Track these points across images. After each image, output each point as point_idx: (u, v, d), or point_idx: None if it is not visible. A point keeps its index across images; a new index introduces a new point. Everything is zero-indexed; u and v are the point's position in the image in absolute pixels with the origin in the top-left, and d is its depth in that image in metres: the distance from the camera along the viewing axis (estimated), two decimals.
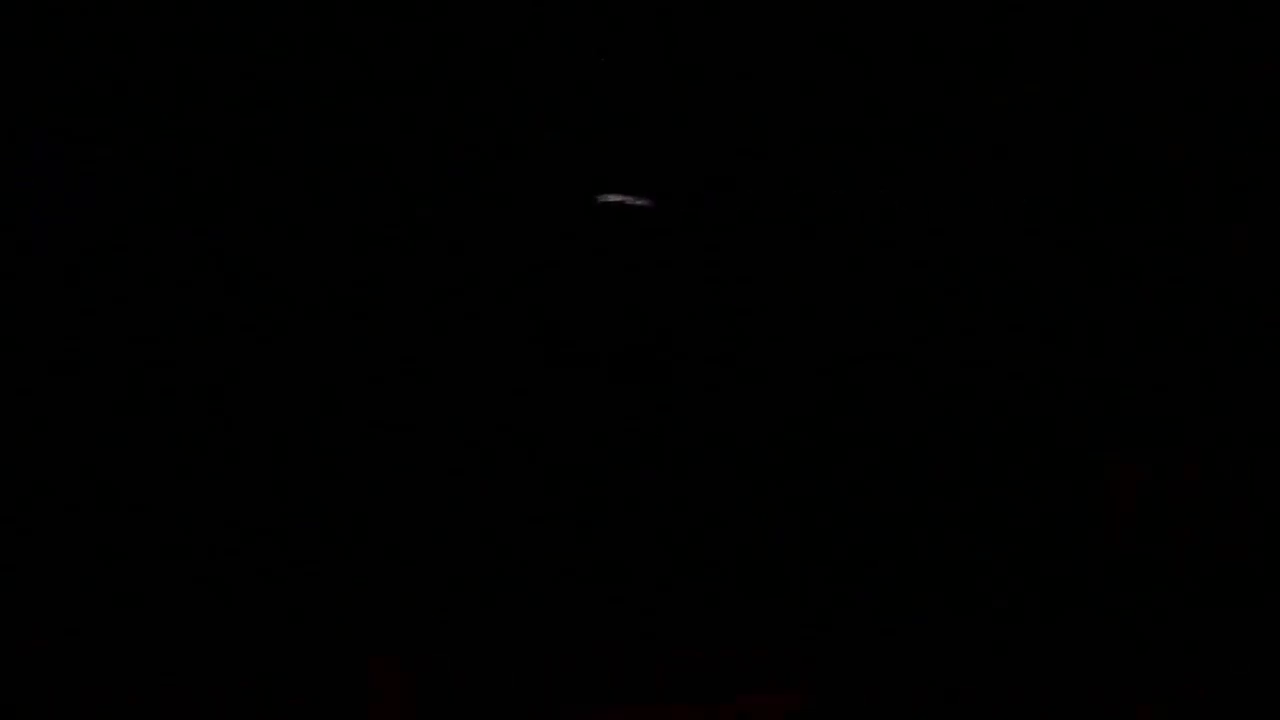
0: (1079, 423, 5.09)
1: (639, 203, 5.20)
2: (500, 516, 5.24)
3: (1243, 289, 5.29)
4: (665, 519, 5.30)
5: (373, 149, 5.46)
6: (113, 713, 4.68)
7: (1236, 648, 4.82)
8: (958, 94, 5.22)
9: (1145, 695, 4.74)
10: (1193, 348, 5.30)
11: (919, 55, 5.28)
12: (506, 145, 5.29)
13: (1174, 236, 5.34)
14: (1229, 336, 5.32)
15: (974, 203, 5.37)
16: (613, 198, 5.16)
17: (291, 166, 5.41)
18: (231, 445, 5.14)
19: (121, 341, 5.23)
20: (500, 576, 5.21)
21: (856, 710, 4.75)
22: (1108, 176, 5.31)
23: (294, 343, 5.24)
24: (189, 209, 5.34)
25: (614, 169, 5.27)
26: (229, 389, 5.18)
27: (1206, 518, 5.10)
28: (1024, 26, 5.49)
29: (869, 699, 4.79)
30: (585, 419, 5.30)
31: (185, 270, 5.37)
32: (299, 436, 5.16)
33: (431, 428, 5.22)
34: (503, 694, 4.86)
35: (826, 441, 5.38)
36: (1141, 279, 5.29)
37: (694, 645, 5.03)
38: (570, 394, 5.27)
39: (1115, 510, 4.87)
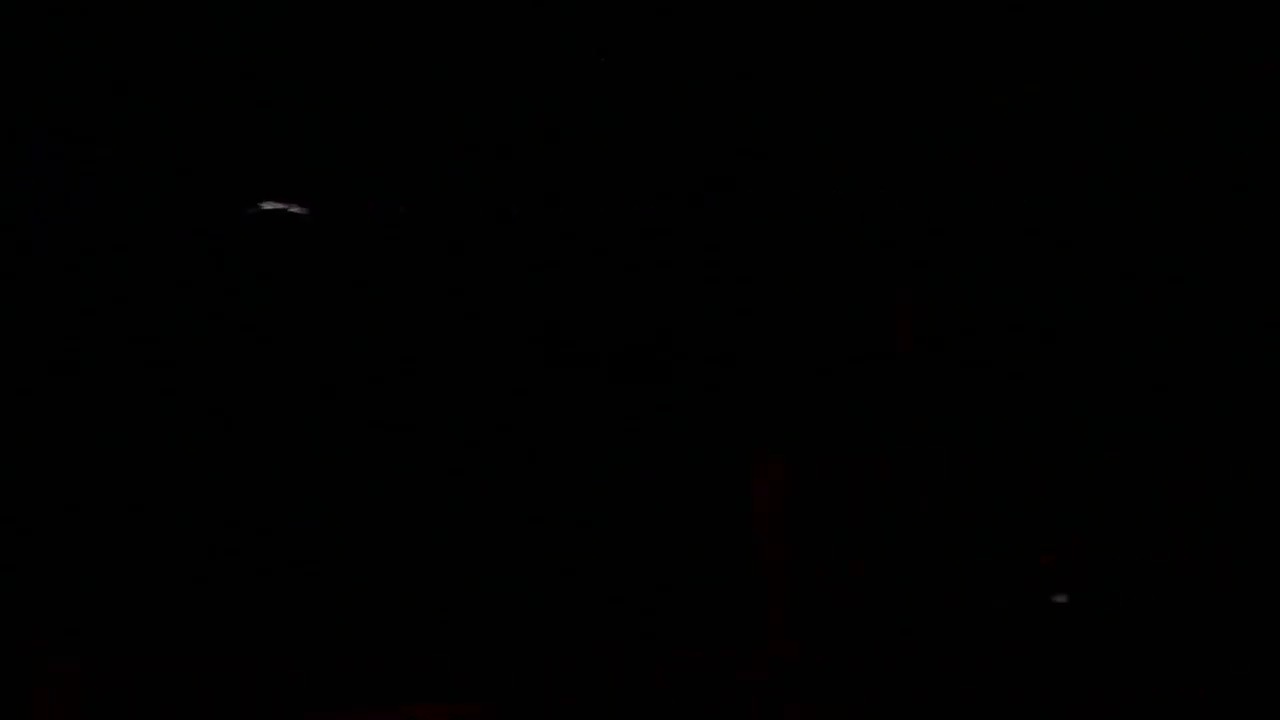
0: (727, 418, 5.09)
1: (296, 210, 5.20)
2: (158, 527, 5.21)
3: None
4: (328, 524, 5.29)
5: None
6: None
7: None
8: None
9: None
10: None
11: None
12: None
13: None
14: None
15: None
16: (270, 205, 5.17)
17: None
18: None
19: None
20: (168, 583, 5.17)
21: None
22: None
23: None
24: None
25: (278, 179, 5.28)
26: None
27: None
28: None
29: (549, 708, 4.78)
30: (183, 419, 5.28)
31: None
32: None
33: (75, 436, 5.20)
34: (168, 701, 4.84)
35: (468, 449, 5.38)
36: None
37: (368, 653, 5.03)
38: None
39: (760, 502, 4.88)
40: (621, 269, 5.45)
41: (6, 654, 4.79)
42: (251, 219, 5.28)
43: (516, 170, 5.41)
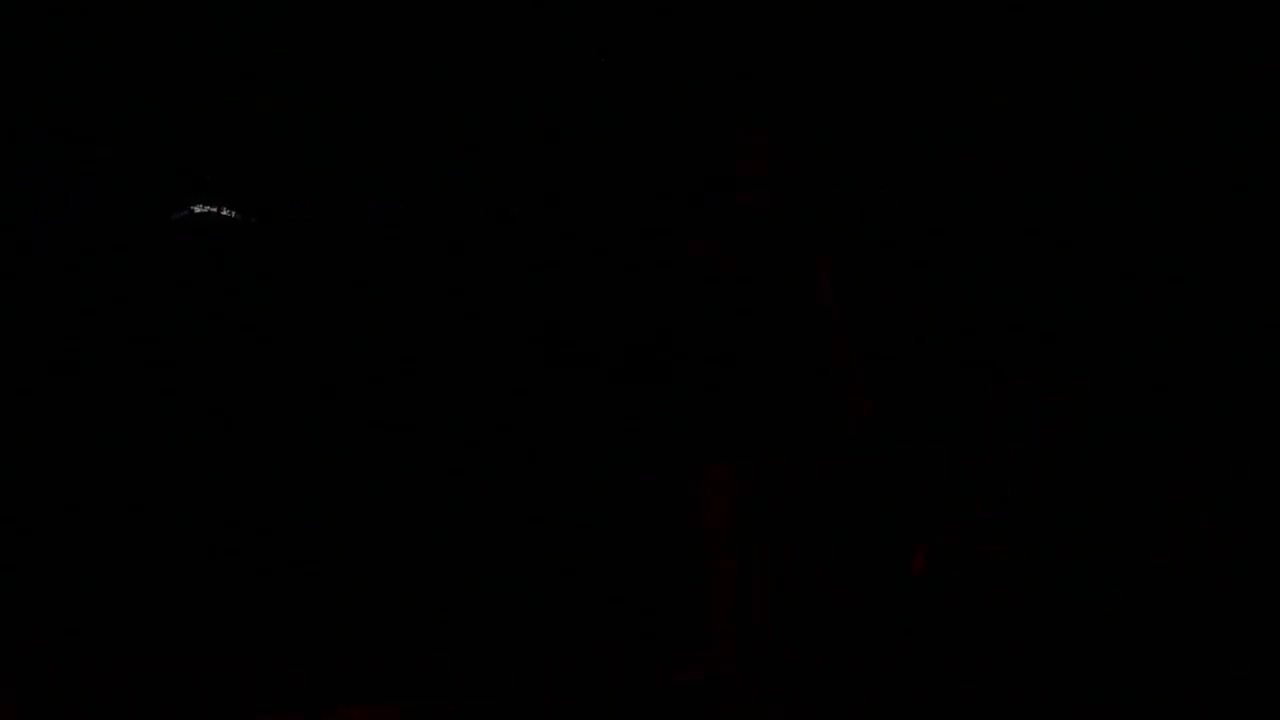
0: (674, 425, 5.06)
1: (227, 213, 5.19)
2: (76, 537, 5.20)
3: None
4: (237, 524, 5.28)
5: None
6: None
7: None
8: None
9: None
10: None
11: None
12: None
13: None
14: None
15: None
16: (199, 208, 5.16)
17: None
18: None
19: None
20: (88, 588, 5.16)
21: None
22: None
23: None
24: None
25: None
26: None
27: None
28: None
29: (476, 710, 4.76)
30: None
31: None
32: None
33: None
34: (96, 706, 4.85)
35: (426, 444, 5.36)
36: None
37: (282, 654, 5.03)
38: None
39: (708, 512, 4.87)
40: (568, 274, 5.47)
41: None
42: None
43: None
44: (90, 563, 5.26)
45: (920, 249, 5.42)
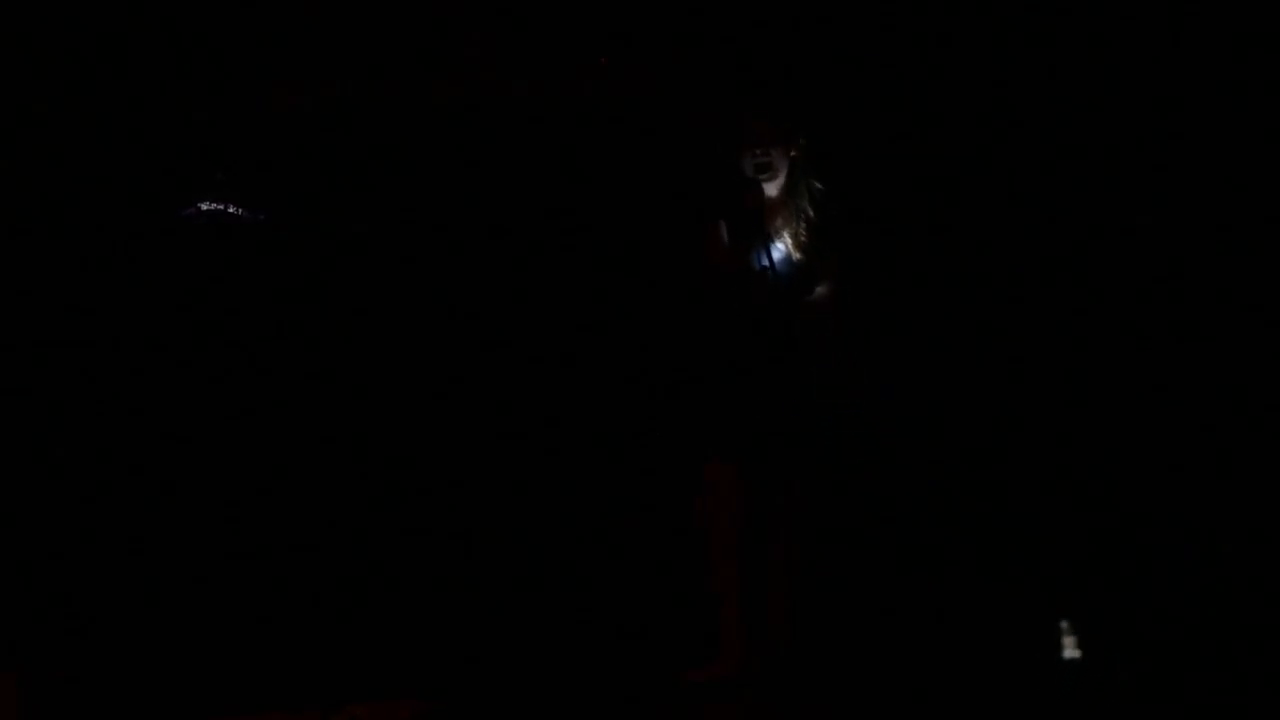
0: (681, 424, 5.11)
1: (235, 211, 5.19)
2: (80, 529, 5.22)
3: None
4: (256, 521, 5.31)
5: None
6: None
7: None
8: None
9: None
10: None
11: None
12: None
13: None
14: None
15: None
16: (206, 206, 5.16)
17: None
18: None
19: None
20: (96, 584, 5.20)
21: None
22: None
23: None
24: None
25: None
26: None
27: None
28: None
29: (486, 708, 4.83)
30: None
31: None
32: None
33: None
34: (103, 704, 4.89)
35: (440, 439, 5.40)
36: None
37: (297, 652, 5.08)
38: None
39: (715, 513, 4.93)
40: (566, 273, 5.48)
41: None
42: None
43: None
44: (95, 561, 5.26)
45: (928, 248, 5.44)
